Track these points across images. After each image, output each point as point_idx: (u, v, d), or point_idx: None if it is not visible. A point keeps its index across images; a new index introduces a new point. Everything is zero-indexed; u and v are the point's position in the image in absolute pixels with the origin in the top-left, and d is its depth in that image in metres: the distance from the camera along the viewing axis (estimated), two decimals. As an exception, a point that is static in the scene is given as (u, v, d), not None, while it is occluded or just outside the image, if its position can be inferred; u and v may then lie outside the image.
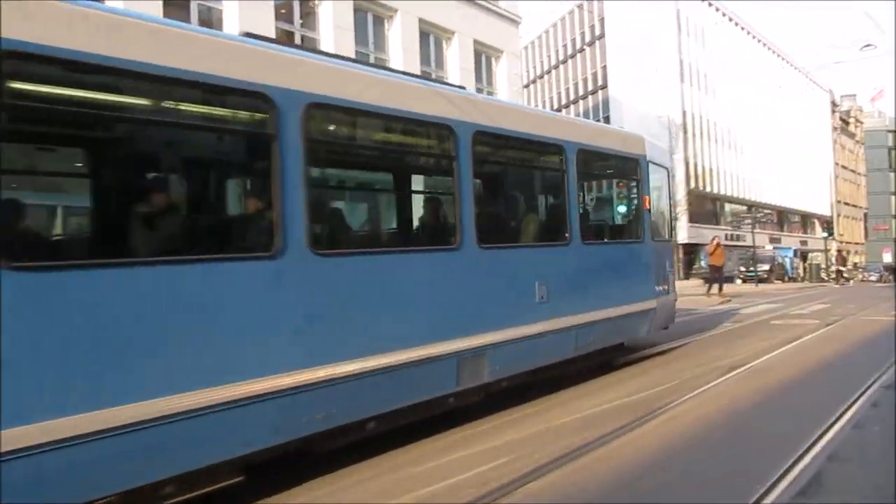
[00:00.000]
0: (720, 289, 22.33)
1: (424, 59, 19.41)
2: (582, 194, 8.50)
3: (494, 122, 6.65)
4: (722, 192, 57.32)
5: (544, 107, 60.62)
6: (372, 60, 17.48)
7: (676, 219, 40.80)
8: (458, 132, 6.12)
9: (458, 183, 6.07)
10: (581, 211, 8.09)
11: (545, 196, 8.72)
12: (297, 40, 15.95)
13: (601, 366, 8.61)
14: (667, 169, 10.49)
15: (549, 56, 63.93)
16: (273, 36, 14.30)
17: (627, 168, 9.22)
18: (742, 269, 41.97)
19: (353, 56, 16.32)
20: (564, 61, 61.87)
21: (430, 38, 19.96)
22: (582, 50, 59.48)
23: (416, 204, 7.17)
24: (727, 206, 58.09)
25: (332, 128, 5.61)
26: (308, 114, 4.83)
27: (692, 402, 6.84)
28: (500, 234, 7.08)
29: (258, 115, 4.75)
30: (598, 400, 7.10)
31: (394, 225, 7.48)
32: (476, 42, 21.21)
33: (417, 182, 7.75)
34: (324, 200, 5.98)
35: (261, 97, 4.59)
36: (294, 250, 4.61)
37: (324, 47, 15.97)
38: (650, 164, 9.37)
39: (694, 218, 49.42)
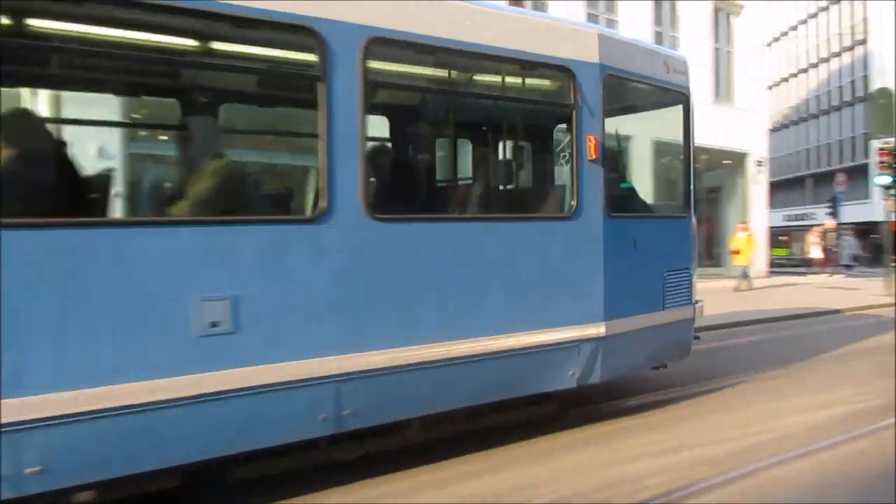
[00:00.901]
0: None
1: (656, 19, 18.57)
2: (390, 127, 5.79)
3: None
4: None
5: (789, 67, 54.99)
6: (601, 22, 17.12)
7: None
8: None
9: None
10: (373, 160, 4.78)
11: (277, 130, 5.70)
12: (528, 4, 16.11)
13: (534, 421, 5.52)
14: (684, 94, 6.29)
15: (796, 10, 57.69)
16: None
17: (542, 85, 5.68)
18: None
19: (583, 17, 16.13)
20: (815, 15, 55.46)
21: (665, -6, 19.02)
22: (837, 1, 52.89)
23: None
24: None
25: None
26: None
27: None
28: (69, 200, 3.70)
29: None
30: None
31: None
32: (714, -3, 19.87)
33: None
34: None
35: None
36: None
37: (551, 10, 16.00)
38: (624, 82, 5.71)
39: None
